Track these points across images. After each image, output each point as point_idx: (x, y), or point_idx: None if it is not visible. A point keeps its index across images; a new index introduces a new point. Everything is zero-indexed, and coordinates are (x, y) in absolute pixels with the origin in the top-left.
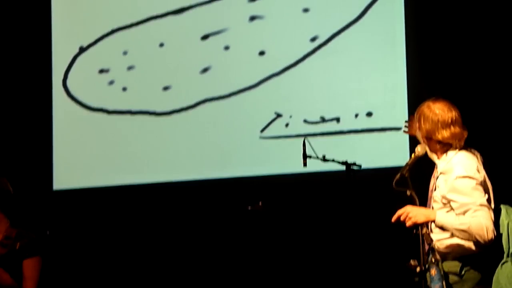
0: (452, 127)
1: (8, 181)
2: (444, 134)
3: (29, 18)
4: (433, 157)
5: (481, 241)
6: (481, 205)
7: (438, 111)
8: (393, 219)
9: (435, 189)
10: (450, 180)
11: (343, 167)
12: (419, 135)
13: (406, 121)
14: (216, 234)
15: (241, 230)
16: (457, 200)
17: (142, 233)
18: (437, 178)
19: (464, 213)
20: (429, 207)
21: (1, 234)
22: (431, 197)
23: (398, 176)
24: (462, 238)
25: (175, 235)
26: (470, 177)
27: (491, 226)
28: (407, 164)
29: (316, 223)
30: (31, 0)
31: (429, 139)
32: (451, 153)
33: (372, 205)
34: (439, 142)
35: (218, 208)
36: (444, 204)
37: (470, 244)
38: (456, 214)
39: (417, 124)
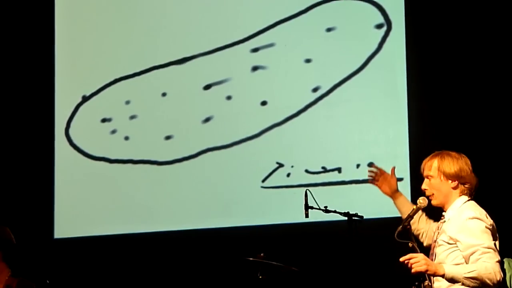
0: (473, 173)
1: (10, 231)
2: (472, 176)
3: (33, 67)
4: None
5: (491, 284)
6: (488, 247)
7: (461, 156)
8: (402, 258)
9: (438, 237)
10: (460, 221)
11: (345, 218)
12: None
13: (370, 170)
14: (216, 285)
15: (242, 281)
16: (464, 241)
17: (142, 283)
18: (441, 227)
19: (470, 254)
20: (432, 256)
21: (2, 284)
22: (434, 247)
23: (400, 228)
24: (473, 286)
25: (175, 285)
26: (480, 219)
27: (497, 268)
28: (409, 215)
29: (318, 274)
30: (35, 49)
31: (456, 180)
32: (460, 201)
33: (374, 256)
34: (464, 184)
35: (218, 259)
36: (450, 244)
37: None
38: (462, 256)
39: (436, 173)
